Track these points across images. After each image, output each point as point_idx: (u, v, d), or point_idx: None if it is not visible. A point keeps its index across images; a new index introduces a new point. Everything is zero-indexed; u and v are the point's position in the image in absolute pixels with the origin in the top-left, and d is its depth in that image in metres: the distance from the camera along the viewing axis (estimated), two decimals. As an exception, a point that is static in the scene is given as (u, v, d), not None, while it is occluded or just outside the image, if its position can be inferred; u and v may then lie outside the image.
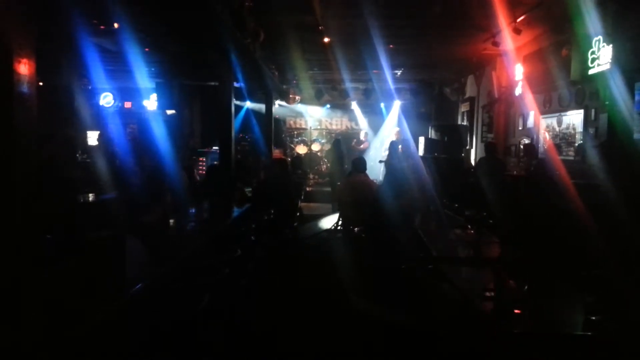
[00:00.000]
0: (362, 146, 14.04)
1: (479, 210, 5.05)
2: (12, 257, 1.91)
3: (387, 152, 12.82)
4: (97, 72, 11.39)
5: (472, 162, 11.48)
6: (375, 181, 8.94)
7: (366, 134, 14.73)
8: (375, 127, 15.36)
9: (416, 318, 3.42)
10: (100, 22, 7.79)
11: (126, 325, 2.46)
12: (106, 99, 14.62)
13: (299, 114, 15.99)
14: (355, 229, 6.04)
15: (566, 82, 7.46)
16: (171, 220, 4.84)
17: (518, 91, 9.31)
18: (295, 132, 16.01)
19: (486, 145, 8.64)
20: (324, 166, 14.53)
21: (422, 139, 11.56)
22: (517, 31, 7.34)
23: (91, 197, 5.64)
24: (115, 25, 7.70)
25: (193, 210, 5.47)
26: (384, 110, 15.34)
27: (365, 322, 3.82)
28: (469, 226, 4.74)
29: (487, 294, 3.08)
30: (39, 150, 2.21)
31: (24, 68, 2.12)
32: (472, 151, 12.23)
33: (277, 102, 14.10)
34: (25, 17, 2.14)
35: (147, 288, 2.63)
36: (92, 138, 12.64)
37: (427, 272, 3.52)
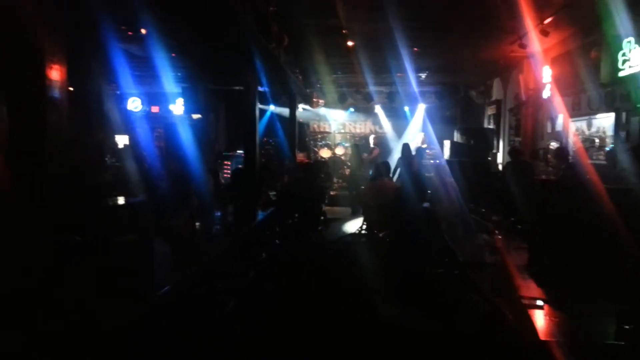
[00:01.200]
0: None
1: (506, 216, 4.96)
2: (42, 258, 1.96)
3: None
4: (126, 77, 11.62)
5: (499, 166, 11.30)
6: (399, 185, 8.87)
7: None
8: (400, 131, 15.27)
9: (442, 324, 3.37)
10: (128, 28, 7.96)
11: (154, 326, 2.48)
12: (134, 104, 14.90)
13: (323, 118, 16.00)
14: (380, 233, 6.00)
15: (596, 85, 7.28)
16: (197, 224, 4.88)
17: (546, 94, 9.12)
18: (319, 136, 16.03)
19: (510, 150, 8.49)
20: (348, 170, 14.50)
21: (447, 143, 11.43)
22: (544, 33, 7.19)
23: (119, 200, 5.74)
24: (143, 31, 7.85)
25: (218, 214, 5.51)
26: (408, 113, 15.24)
27: (390, 328, 3.78)
28: (497, 231, 4.65)
29: (516, 301, 3.01)
30: (69, 154, 2.26)
31: (55, 74, 2.17)
32: (499, 155, 12.03)
33: (301, 106, 14.15)
34: (57, 25, 2.19)
35: (174, 290, 2.66)
36: (121, 142, 12.92)
37: (453, 278, 3.47)
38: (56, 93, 2.16)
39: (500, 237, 4.59)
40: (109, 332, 2.17)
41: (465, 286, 3.29)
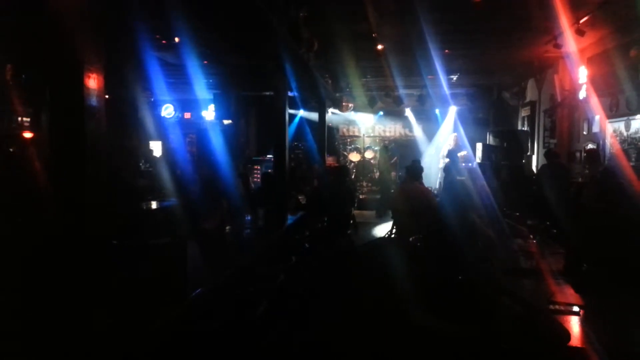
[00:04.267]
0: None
1: (541, 220, 4.84)
2: (82, 262, 2.03)
3: (445, 160, 12.60)
4: (159, 84, 11.89)
5: (534, 168, 11.04)
6: (430, 189, 8.76)
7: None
8: (430, 134, 15.11)
9: (475, 331, 3.31)
10: (162, 36, 8.16)
11: (188, 327, 2.53)
12: (167, 110, 15.24)
13: (352, 122, 15.99)
14: (411, 238, 5.93)
15: (634, 85, 7.05)
16: (228, 227, 4.95)
17: (582, 94, 8.88)
18: (349, 140, 16.01)
19: (546, 152, 8.28)
20: (377, 173, 14.43)
21: (479, 145, 11.25)
22: (580, 32, 7.01)
23: (154, 204, 5.89)
24: (176, 39, 8.04)
25: (249, 218, 5.58)
26: (439, 116, 15.06)
27: (422, 334, 3.73)
28: (532, 236, 4.55)
29: (552, 307, 2.93)
30: (107, 160, 2.33)
31: (93, 82, 2.25)
32: (534, 157, 11.75)
33: (330, 110, 14.18)
34: (95, 35, 2.27)
35: (207, 293, 2.71)
36: (155, 148, 13.23)
37: (488, 284, 3.41)
38: (94, 101, 2.23)
39: (535, 241, 4.49)
40: (145, 333, 2.22)
41: (499, 292, 3.23)
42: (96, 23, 2.28)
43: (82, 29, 2.20)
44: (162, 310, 2.44)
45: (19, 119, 11.12)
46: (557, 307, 2.90)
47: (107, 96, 2.42)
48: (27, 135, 10.50)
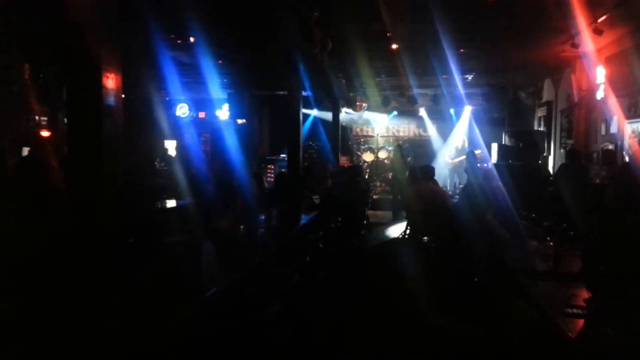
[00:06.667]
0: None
1: (558, 221, 4.76)
2: (98, 259, 2.05)
3: (455, 160, 12.51)
4: (174, 84, 11.97)
5: (550, 169, 10.90)
6: (444, 188, 8.71)
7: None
8: (445, 134, 15.00)
9: (488, 332, 3.28)
10: (177, 36, 8.22)
11: (201, 326, 2.54)
12: (182, 110, 15.33)
13: (366, 121, 15.94)
14: (424, 238, 5.90)
15: (654, 85, 6.91)
16: (241, 227, 4.96)
17: (600, 95, 8.73)
18: (362, 140, 15.96)
19: (569, 151, 8.14)
20: (390, 174, 14.37)
21: (494, 146, 11.14)
22: (598, 32, 6.90)
23: (168, 203, 5.93)
24: (191, 39, 8.08)
25: (262, 217, 5.59)
26: (453, 116, 14.95)
27: (435, 334, 3.71)
28: (548, 238, 4.48)
29: (568, 310, 2.89)
30: (123, 159, 2.35)
31: (110, 82, 2.27)
32: (550, 158, 11.61)
33: (344, 110, 14.15)
34: (112, 36, 2.29)
35: (221, 292, 2.72)
36: (170, 147, 13.33)
37: (502, 285, 3.37)
38: (112, 101, 2.25)
39: (551, 243, 4.42)
40: (159, 331, 2.24)
41: (514, 294, 3.19)
42: (113, 24, 2.31)
43: (100, 30, 2.22)
44: (176, 309, 2.45)
45: (36, 118, 11.30)
46: (574, 310, 2.85)
47: (123, 96, 2.44)
48: (44, 134, 10.65)
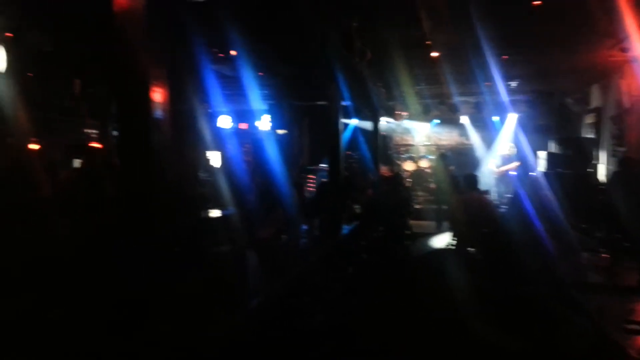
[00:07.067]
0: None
1: (611, 232, 4.55)
2: (149, 267, 2.09)
3: (502, 169, 12.18)
4: (217, 96, 12.20)
5: (600, 177, 10.45)
6: (491, 199, 8.48)
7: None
8: (488, 142, 14.67)
9: (542, 349, 3.14)
10: (219, 50, 8.42)
11: (247, 335, 2.56)
12: (224, 121, 15.63)
13: (406, 130, 15.79)
14: (471, 249, 5.75)
15: None
16: (283, 236, 4.99)
17: (653, 99, 8.34)
18: (402, 149, 15.81)
19: (622, 159, 7.77)
20: (432, 183, 14.14)
21: (542, 154, 10.78)
22: (648, 35, 6.60)
23: (213, 213, 6.04)
24: (233, 52, 8.26)
25: (304, 227, 5.60)
26: (497, 123, 14.60)
27: (484, 348, 3.59)
28: (601, 249, 4.29)
29: (627, 326, 2.74)
30: (170, 170, 2.41)
31: (158, 96, 2.34)
32: (600, 166, 11.14)
33: (384, 119, 14.06)
34: (159, 52, 2.36)
35: (266, 301, 2.73)
36: (212, 158, 13.61)
37: (554, 298, 3.23)
38: (159, 114, 2.32)
39: (605, 255, 4.22)
40: (206, 339, 2.26)
41: (566, 307, 3.05)
42: (160, 41, 2.38)
43: (148, 47, 2.30)
44: (222, 317, 2.48)
45: (87, 131, 11.79)
46: (633, 326, 2.70)
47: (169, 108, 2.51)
48: (95, 146, 11.09)
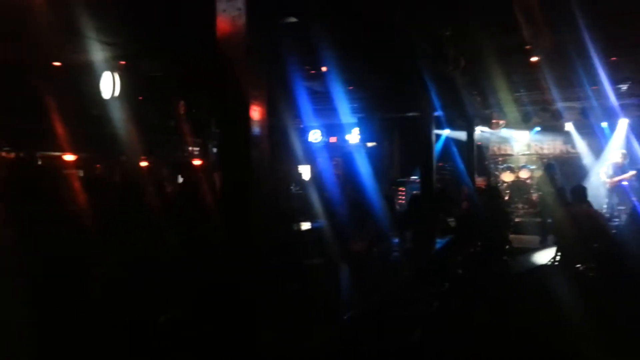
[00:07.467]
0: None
1: None
2: (250, 277, 2.18)
3: (614, 179, 11.16)
4: (307, 111, 12.55)
5: None
6: (600, 211, 7.81)
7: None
8: (596, 150, 13.53)
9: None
10: (311, 67, 8.65)
11: (342, 348, 2.56)
12: (314, 135, 15.97)
13: (504, 139, 15.03)
14: (579, 266, 5.31)
15: None
16: (375, 249, 4.96)
17: None
18: (500, 159, 15.07)
19: None
20: (534, 195, 13.29)
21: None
22: None
23: (305, 225, 6.16)
24: (324, 68, 8.45)
25: (396, 240, 5.52)
26: (606, 130, 13.44)
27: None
28: None
29: None
30: (266, 184, 2.50)
31: (256, 114, 2.44)
32: None
33: (479, 129, 13.53)
34: (257, 73, 2.47)
35: (360, 314, 2.72)
36: (304, 171, 13.94)
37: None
38: (257, 131, 2.41)
39: None
40: (302, 351, 2.30)
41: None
42: (258, 62, 2.49)
43: (247, 69, 2.41)
44: (316, 330, 2.50)
45: (190, 148, 12.67)
46: None
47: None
48: (196, 162, 11.86)
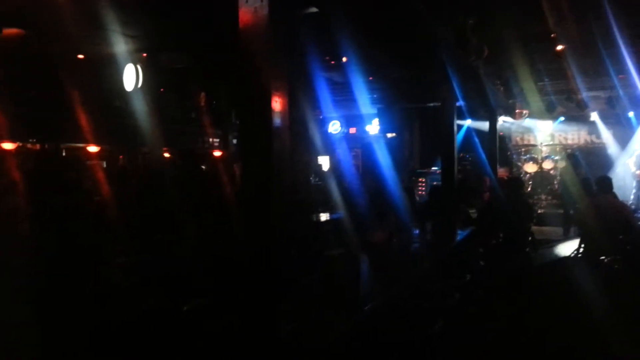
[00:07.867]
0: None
1: None
2: (271, 267, 2.20)
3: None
4: (327, 102, 12.53)
5: None
6: (626, 202, 7.64)
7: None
8: (623, 140, 13.20)
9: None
10: (331, 58, 8.62)
11: (362, 340, 2.57)
12: (334, 126, 15.96)
13: (527, 129, 14.76)
14: (604, 258, 5.21)
15: None
16: (395, 240, 4.93)
17: None
18: (523, 150, 14.82)
19: None
20: (558, 185, 13.06)
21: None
22: None
23: (324, 216, 6.17)
24: (344, 59, 8.41)
25: (416, 232, 5.48)
26: (633, 119, 13.09)
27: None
28: None
29: None
30: (286, 175, 2.50)
31: (277, 105, 2.44)
32: None
33: (502, 119, 13.31)
34: (279, 64, 2.47)
35: (380, 306, 2.72)
36: (323, 162, 13.94)
37: None
38: (279, 122, 2.41)
39: None
40: (322, 342, 2.31)
41: None
42: (280, 53, 2.48)
43: (269, 60, 2.41)
44: (337, 321, 2.51)
45: (210, 140, 12.78)
46: None
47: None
48: (217, 153, 11.97)
